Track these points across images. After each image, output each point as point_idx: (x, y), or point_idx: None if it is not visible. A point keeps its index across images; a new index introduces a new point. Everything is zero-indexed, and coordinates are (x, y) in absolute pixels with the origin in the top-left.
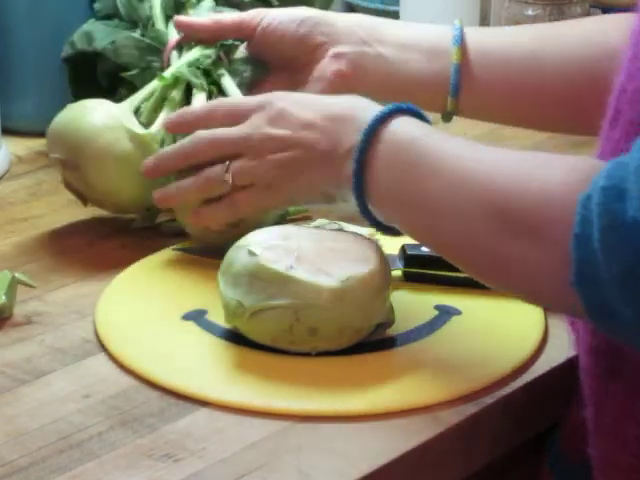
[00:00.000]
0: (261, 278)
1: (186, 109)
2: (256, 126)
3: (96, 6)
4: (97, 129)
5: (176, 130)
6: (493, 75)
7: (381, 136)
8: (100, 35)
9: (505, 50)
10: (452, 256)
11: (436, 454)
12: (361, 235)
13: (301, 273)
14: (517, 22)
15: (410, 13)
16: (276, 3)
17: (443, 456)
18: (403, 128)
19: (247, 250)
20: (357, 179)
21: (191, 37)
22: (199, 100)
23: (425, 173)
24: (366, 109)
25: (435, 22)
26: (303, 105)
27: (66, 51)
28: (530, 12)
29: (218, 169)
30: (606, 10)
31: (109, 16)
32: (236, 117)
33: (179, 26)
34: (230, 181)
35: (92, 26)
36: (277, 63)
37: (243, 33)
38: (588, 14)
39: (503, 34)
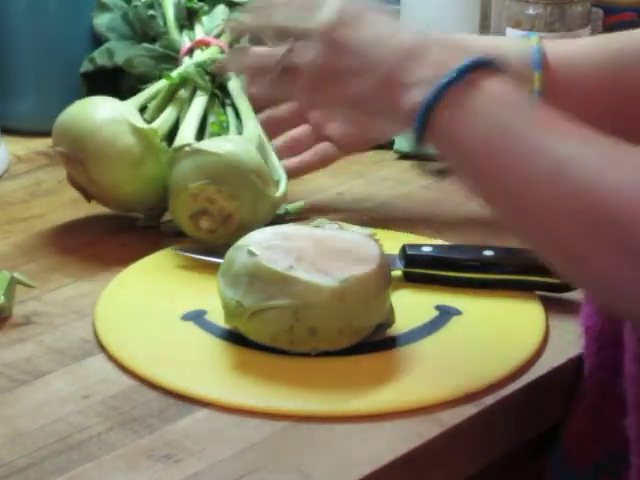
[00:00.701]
0: (261, 278)
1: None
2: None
3: (109, 34)
4: (100, 122)
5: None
6: (574, 98)
7: (479, 79)
8: (120, 51)
9: (587, 72)
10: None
11: (436, 454)
12: (361, 235)
13: (301, 273)
14: (517, 22)
15: (410, 13)
16: None
17: (443, 456)
18: (505, 83)
19: (247, 250)
20: (431, 101)
21: None
22: (198, 103)
23: (514, 139)
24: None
25: (435, 22)
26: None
27: (85, 67)
28: (531, 11)
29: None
30: (607, 10)
31: (123, 37)
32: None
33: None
34: (286, 53)
35: (112, 44)
36: None
37: None
38: (589, 13)
39: (583, 53)
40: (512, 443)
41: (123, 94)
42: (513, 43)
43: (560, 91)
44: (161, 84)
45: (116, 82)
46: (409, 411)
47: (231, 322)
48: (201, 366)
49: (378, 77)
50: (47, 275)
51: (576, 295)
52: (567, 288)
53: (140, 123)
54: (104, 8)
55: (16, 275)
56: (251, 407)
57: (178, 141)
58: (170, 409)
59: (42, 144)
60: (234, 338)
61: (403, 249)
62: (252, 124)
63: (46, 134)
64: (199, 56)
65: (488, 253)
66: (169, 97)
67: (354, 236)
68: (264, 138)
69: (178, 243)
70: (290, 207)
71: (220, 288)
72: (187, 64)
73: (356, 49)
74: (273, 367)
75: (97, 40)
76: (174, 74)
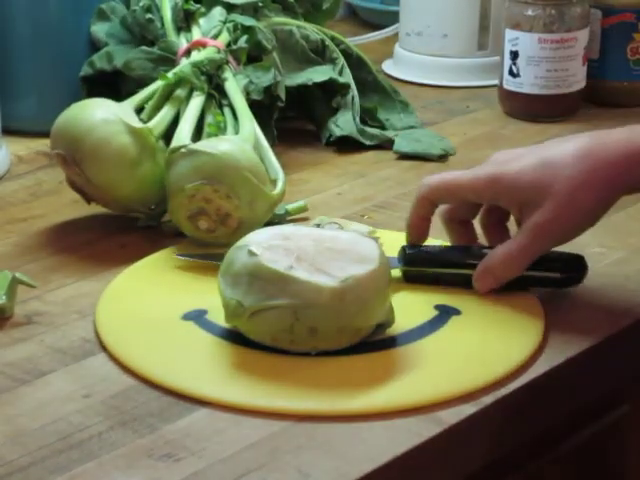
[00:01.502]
0: (261, 278)
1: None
2: None
3: (108, 40)
4: (94, 123)
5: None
6: None
7: None
8: (119, 54)
9: None
10: None
11: (436, 454)
12: (361, 235)
13: (301, 273)
14: (517, 22)
15: (410, 13)
16: (299, 10)
17: (443, 456)
18: None
19: (247, 250)
20: None
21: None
22: (195, 104)
23: None
24: None
25: (435, 23)
26: None
27: (85, 71)
28: (530, 12)
29: None
30: (606, 11)
31: (123, 42)
32: None
33: None
34: None
35: (111, 48)
36: None
37: None
38: (588, 14)
39: None
40: (511, 442)
41: (123, 97)
42: None
43: None
44: (158, 85)
45: (116, 85)
46: (409, 410)
47: (231, 322)
48: (201, 366)
49: None
50: (48, 275)
51: (576, 295)
52: (566, 283)
53: (135, 123)
54: (102, 16)
55: (17, 275)
56: (251, 407)
57: (174, 143)
58: (170, 409)
59: (43, 144)
60: (234, 338)
61: (403, 249)
62: (248, 123)
63: (47, 135)
64: (196, 55)
65: (487, 252)
66: (165, 97)
67: (354, 236)
68: (260, 137)
69: (178, 243)
70: (290, 207)
71: (220, 288)
72: (183, 64)
73: None
74: (273, 367)
75: (96, 45)
76: (170, 74)
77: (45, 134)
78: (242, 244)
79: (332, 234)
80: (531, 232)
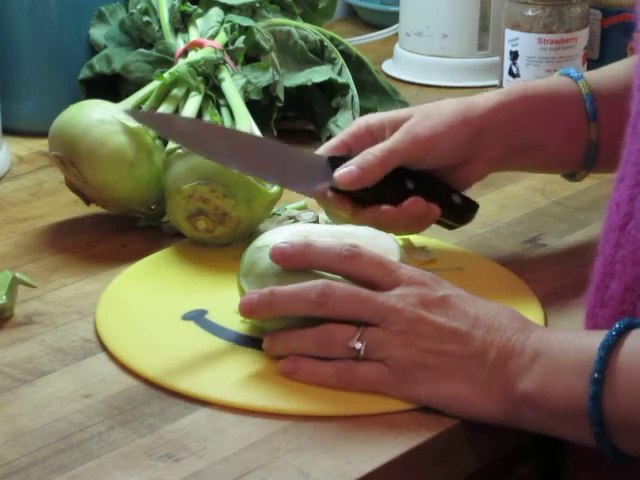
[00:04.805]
0: (291, 276)
1: (309, 243)
2: (409, 303)
3: (107, 43)
4: (91, 123)
5: (288, 262)
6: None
7: (620, 354)
8: (118, 57)
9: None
10: None
11: (436, 454)
12: (379, 231)
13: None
14: (517, 22)
15: (410, 13)
16: (297, 11)
17: (443, 456)
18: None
19: (270, 250)
20: (595, 402)
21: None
22: (192, 104)
23: None
24: (535, 327)
25: (435, 23)
26: (467, 299)
27: (84, 73)
28: (530, 12)
29: (346, 332)
30: (605, 11)
31: (121, 45)
32: (384, 278)
33: None
34: (362, 352)
35: (110, 51)
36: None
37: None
38: (587, 15)
39: (619, 77)
40: (511, 443)
41: (122, 100)
42: (564, 94)
43: (613, 139)
44: (154, 85)
45: (115, 88)
46: (409, 410)
47: (261, 323)
48: (201, 365)
49: (481, 360)
50: (48, 275)
51: (577, 295)
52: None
53: (131, 122)
54: (102, 18)
55: (18, 275)
56: (251, 406)
57: (171, 144)
58: (170, 408)
59: (43, 144)
60: (234, 338)
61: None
62: (245, 123)
63: (47, 135)
64: (193, 55)
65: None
66: (162, 97)
67: (372, 231)
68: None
69: (178, 243)
70: (290, 207)
71: (244, 290)
72: (179, 64)
73: (452, 329)
74: (273, 367)
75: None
76: (166, 74)
77: (45, 134)
78: (261, 244)
79: (350, 230)
80: (395, 134)
